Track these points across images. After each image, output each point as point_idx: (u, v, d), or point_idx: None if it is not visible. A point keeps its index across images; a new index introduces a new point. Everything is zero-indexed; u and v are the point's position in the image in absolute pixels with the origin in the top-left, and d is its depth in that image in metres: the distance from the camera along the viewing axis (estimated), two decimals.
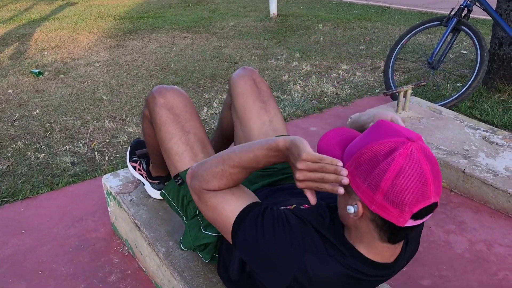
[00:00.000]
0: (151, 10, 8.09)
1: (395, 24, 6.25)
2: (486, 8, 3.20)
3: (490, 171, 2.22)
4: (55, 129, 3.31)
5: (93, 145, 3.09)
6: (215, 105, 3.63)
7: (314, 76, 4.22)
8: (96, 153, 2.95)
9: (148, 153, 1.97)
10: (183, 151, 1.48)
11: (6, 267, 1.95)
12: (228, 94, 1.76)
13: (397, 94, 3.20)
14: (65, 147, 3.04)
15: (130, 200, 1.91)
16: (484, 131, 2.59)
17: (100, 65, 4.77)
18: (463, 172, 2.24)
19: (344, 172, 0.92)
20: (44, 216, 2.29)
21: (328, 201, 1.20)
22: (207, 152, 1.51)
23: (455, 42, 3.50)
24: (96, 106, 3.71)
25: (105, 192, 2.09)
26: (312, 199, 0.99)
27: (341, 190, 0.93)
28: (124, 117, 3.48)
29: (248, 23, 6.67)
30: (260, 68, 4.52)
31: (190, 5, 8.59)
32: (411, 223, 0.91)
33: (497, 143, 2.46)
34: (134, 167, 1.98)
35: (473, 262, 1.85)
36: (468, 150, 2.40)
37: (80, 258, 1.99)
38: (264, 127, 1.62)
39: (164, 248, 1.66)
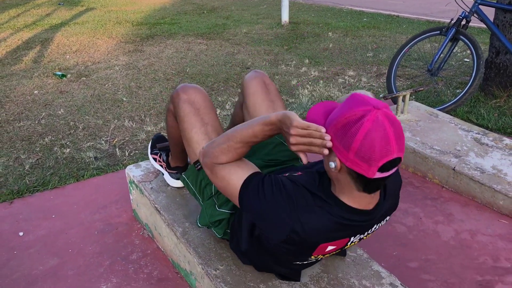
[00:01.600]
0: (167, 16, 8.37)
1: (403, 32, 6.46)
2: (483, 19, 3.40)
3: (478, 169, 2.42)
4: (79, 127, 3.57)
5: (114, 142, 3.34)
6: (227, 107, 3.86)
7: (321, 81, 4.44)
8: (117, 149, 3.20)
9: (167, 147, 2.21)
10: (202, 139, 1.72)
11: (40, 246, 2.19)
12: (241, 94, 2.00)
13: (395, 98, 3.41)
14: (88, 144, 3.29)
15: (151, 188, 2.15)
16: (476, 133, 2.79)
17: (119, 69, 5.04)
18: (453, 169, 2.45)
19: (328, 137, 1.16)
20: (72, 203, 2.54)
21: (318, 167, 1.44)
22: None
23: (454, 51, 3.69)
24: (116, 106, 3.97)
25: (128, 181, 2.33)
26: (304, 159, 1.23)
27: (325, 151, 1.17)
28: (143, 117, 3.74)
29: (260, 30, 6.92)
30: (270, 73, 4.76)
31: (205, 12, 8.87)
32: (378, 175, 1.14)
33: (487, 144, 2.66)
34: (155, 159, 2.22)
35: (457, 248, 2.05)
36: (459, 150, 2.61)
37: (105, 240, 2.23)
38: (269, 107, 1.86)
39: (181, 228, 1.90)
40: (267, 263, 1.56)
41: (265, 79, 1.91)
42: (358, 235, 1.35)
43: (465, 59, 5.02)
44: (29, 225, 2.35)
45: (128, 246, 2.18)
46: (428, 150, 2.61)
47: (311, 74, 4.69)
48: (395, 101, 3.46)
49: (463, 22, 3.38)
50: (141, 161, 3.00)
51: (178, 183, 2.14)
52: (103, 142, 3.32)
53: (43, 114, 3.83)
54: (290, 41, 6.14)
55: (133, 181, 2.24)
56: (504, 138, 2.73)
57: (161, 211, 2.00)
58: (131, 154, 3.15)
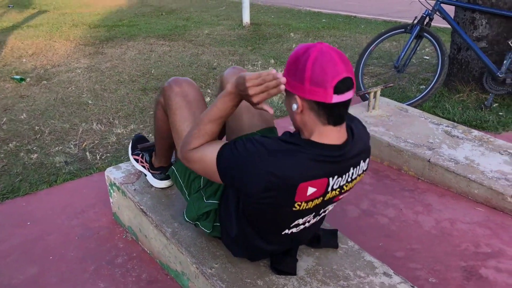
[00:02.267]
0: (125, 18, 8.23)
1: (362, 32, 6.61)
2: (445, 17, 3.53)
3: (452, 160, 2.51)
4: (45, 131, 3.45)
5: (83, 146, 3.25)
6: None
7: None
8: (87, 153, 3.11)
9: (150, 147, 2.18)
10: None
11: (17, 254, 2.10)
12: (219, 89, 1.99)
13: (366, 95, 3.49)
14: (56, 148, 3.18)
15: (134, 189, 2.10)
16: (446, 126, 2.90)
17: (81, 71, 4.91)
18: (429, 161, 2.53)
19: (279, 74, 1.25)
20: (47, 209, 2.45)
21: None
22: (212, 135, 1.74)
23: (418, 48, 3.81)
24: (82, 110, 3.86)
25: (107, 183, 2.27)
26: (270, 109, 1.31)
27: (282, 87, 1.25)
28: (111, 119, 3.65)
29: (222, 31, 6.91)
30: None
31: (164, 14, 8.77)
32: (336, 98, 1.22)
33: (457, 136, 2.77)
34: (137, 160, 2.18)
35: (439, 236, 2.12)
36: (432, 142, 2.69)
37: (87, 245, 2.16)
38: (253, 118, 1.86)
39: (170, 229, 1.87)
40: (258, 244, 1.55)
41: None
42: (336, 177, 1.36)
43: (425, 56, 5.19)
44: (3, 233, 2.25)
45: (111, 250, 2.12)
46: (402, 143, 2.68)
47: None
48: (364, 98, 3.54)
49: (427, 20, 3.49)
50: (115, 164, 2.93)
51: (162, 184, 2.11)
52: (72, 146, 3.22)
53: (4, 119, 3.68)
54: (253, 42, 6.16)
55: (114, 184, 2.18)
56: (472, 130, 2.85)
57: (148, 213, 1.96)
58: (103, 157, 3.07)
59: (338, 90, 1.22)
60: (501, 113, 3.45)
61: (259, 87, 1.27)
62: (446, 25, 6.41)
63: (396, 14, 8.09)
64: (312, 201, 1.38)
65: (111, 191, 2.25)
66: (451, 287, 1.82)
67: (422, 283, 1.84)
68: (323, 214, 1.55)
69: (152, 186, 2.13)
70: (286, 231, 1.49)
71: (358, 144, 1.39)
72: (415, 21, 3.54)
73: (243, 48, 5.85)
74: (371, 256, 1.77)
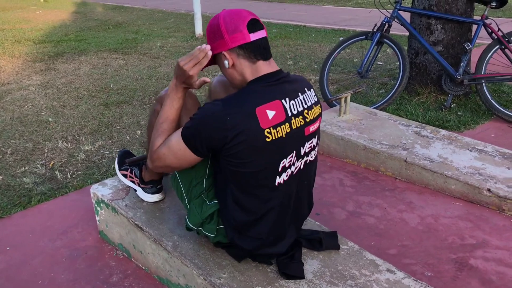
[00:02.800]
0: (71, 33, 8.00)
1: (314, 41, 6.78)
2: (403, 23, 3.70)
3: (427, 159, 2.63)
4: (7, 152, 3.30)
5: (51, 165, 3.13)
6: None
7: None
8: (57, 172, 3.00)
9: (139, 160, 2.14)
10: None
11: (2, 282, 1.99)
12: (208, 99, 2.00)
13: (334, 102, 3.59)
14: (22, 169, 3.05)
15: (126, 205, 2.06)
16: (415, 127, 3.03)
17: (35, 89, 4.73)
18: (405, 161, 2.64)
19: (203, 45, 1.48)
20: (25, 232, 2.34)
21: None
22: None
23: (378, 54, 3.97)
24: (43, 128, 3.72)
25: (93, 201, 2.20)
26: (208, 79, 1.54)
27: (209, 53, 1.47)
28: (76, 136, 3.54)
29: (175, 43, 6.87)
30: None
31: (111, 27, 8.61)
32: (253, 36, 1.45)
33: (427, 136, 2.90)
34: (125, 175, 2.13)
35: (426, 232, 2.21)
36: (405, 143, 2.81)
37: (76, 265, 2.08)
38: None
39: (171, 242, 1.84)
40: (257, 213, 1.58)
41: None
42: (288, 100, 1.49)
43: (379, 62, 5.40)
44: None
45: (104, 269, 2.06)
46: (378, 145, 2.78)
47: None
48: (331, 105, 3.63)
49: (386, 27, 3.64)
50: (90, 182, 2.85)
51: (155, 197, 2.07)
52: (38, 166, 3.10)
53: None
54: None
55: (103, 201, 2.12)
56: (440, 129, 3.00)
57: (144, 228, 1.92)
58: (74, 175, 2.97)
59: (252, 29, 1.45)
60: (460, 113, 3.65)
61: (191, 61, 1.48)
62: (401, 33, 6.69)
63: (342, 22, 8.35)
64: (280, 127, 1.46)
65: (98, 208, 2.19)
66: (446, 279, 1.90)
67: (419, 277, 1.91)
68: (306, 159, 1.62)
69: (143, 201, 2.09)
70: (278, 179, 1.53)
71: (293, 76, 1.58)
72: (375, 28, 3.69)
73: None
74: (372, 254, 1.82)
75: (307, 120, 1.54)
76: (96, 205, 2.20)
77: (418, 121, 3.49)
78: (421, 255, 2.05)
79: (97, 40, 7.33)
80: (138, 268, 2.05)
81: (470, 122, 3.48)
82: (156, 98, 1.83)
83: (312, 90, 1.61)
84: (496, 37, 3.44)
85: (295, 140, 1.52)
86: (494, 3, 3.46)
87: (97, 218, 2.24)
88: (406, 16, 4.09)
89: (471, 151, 2.72)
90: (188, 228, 1.72)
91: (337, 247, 1.83)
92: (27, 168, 3.06)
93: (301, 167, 1.62)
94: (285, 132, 1.48)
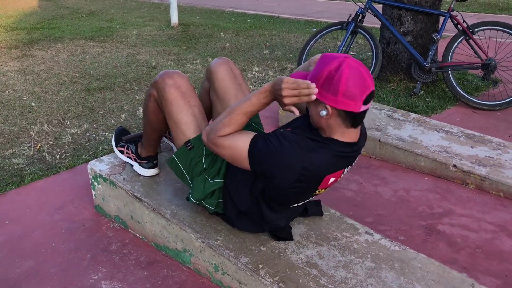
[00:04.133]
0: (43, 21, 7.94)
1: (288, 31, 6.96)
2: (376, 14, 3.92)
3: (399, 139, 2.85)
4: None
5: (38, 147, 3.22)
6: None
7: None
8: (45, 154, 3.09)
9: (135, 138, 2.27)
10: (191, 121, 1.85)
11: (5, 252, 2.11)
12: (206, 81, 2.15)
13: None
14: (10, 151, 3.13)
15: (124, 179, 2.19)
16: (387, 111, 3.26)
17: (15, 75, 4.75)
18: (379, 141, 2.85)
19: (313, 85, 1.43)
20: (23, 208, 2.44)
21: (296, 124, 1.70)
22: (206, 121, 1.91)
23: (352, 44, 4.17)
24: (27, 112, 3.78)
25: (90, 176, 2.33)
26: (297, 112, 1.49)
27: (313, 97, 1.43)
28: (61, 120, 3.62)
29: (151, 32, 6.94)
30: (179, 71, 4.86)
31: (84, 16, 8.57)
32: (363, 108, 1.45)
33: (399, 119, 3.13)
34: (122, 152, 2.26)
35: (399, 203, 2.43)
36: (379, 125, 3.03)
37: (76, 236, 2.21)
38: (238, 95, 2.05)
39: (169, 211, 1.99)
40: (267, 215, 1.75)
41: (231, 65, 2.09)
42: (349, 166, 1.64)
43: (351, 52, 5.63)
44: None
45: (103, 239, 2.19)
46: None
47: None
48: None
49: (360, 18, 3.85)
50: (80, 162, 2.96)
51: (151, 172, 2.21)
52: (26, 148, 3.18)
53: None
54: (185, 42, 6.27)
55: (101, 175, 2.25)
56: (410, 113, 3.23)
57: (143, 198, 2.07)
58: (62, 157, 3.07)
59: (366, 101, 1.44)
60: (428, 99, 3.90)
61: (293, 91, 1.44)
62: (371, 25, 6.95)
63: (315, 14, 8.57)
64: (328, 187, 1.65)
65: (95, 183, 2.32)
66: (417, 242, 2.12)
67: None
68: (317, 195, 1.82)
69: (139, 175, 2.23)
70: (295, 204, 1.72)
71: (363, 138, 1.66)
72: (350, 19, 3.89)
73: (177, 47, 5.95)
74: (352, 219, 2.02)
75: (348, 171, 1.72)
76: (93, 180, 2.32)
77: (390, 106, 3.72)
78: (394, 222, 2.27)
79: (71, 28, 7.32)
80: (135, 238, 2.19)
81: (437, 107, 3.73)
82: (151, 83, 1.96)
83: None
84: (461, 28, 3.69)
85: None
86: None
87: (94, 193, 2.36)
88: (379, 8, 4.30)
89: (438, 132, 2.96)
90: (191, 201, 1.88)
91: (320, 214, 2.02)
92: (15, 150, 3.14)
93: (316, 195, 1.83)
94: (328, 188, 1.68)
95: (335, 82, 1.41)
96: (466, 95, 3.68)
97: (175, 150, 2.41)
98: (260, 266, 1.72)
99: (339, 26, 3.90)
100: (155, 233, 2.08)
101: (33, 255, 2.08)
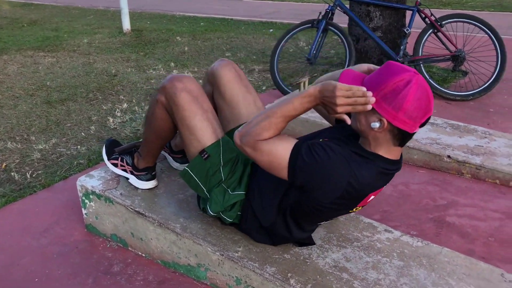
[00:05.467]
0: None
1: (246, 33, 6.89)
2: (346, 11, 3.92)
3: None
4: None
5: (3, 166, 2.97)
6: (118, 114, 3.71)
7: (200, 81, 4.54)
8: (13, 173, 2.85)
9: (129, 149, 2.12)
10: (206, 126, 1.71)
11: None
12: (208, 84, 2.03)
13: (289, 88, 3.73)
14: None
15: (121, 194, 2.03)
16: None
17: None
18: None
19: (370, 93, 1.32)
20: (2, 234, 2.22)
21: (332, 135, 1.61)
22: (221, 127, 1.79)
23: (324, 41, 4.15)
24: None
25: (81, 194, 2.14)
26: (348, 120, 1.37)
27: (369, 107, 1.32)
28: (25, 136, 3.37)
29: (103, 39, 6.66)
30: (143, 78, 4.68)
31: (25, 25, 8.12)
32: (418, 129, 1.39)
33: None
34: (115, 164, 2.10)
35: (402, 198, 2.41)
36: None
37: (71, 260, 2.03)
38: (250, 107, 1.94)
39: (178, 224, 1.86)
40: (293, 232, 1.66)
41: (235, 67, 1.99)
42: (387, 184, 1.56)
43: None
44: None
45: (102, 260, 2.02)
46: None
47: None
48: (282, 90, 3.77)
49: (330, 15, 3.84)
50: (58, 179, 2.74)
51: (150, 184, 2.07)
52: None
53: None
54: (142, 48, 6.06)
55: (93, 192, 2.08)
56: None
57: (146, 213, 1.92)
58: (34, 175, 2.84)
59: (423, 125, 1.38)
60: None
61: (347, 99, 1.32)
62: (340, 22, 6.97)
63: (267, 15, 8.55)
64: (366, 204, 1.57)
65: (86, 201, 2.14)
66: (430, 235, 2.10)
67: None
68: None
69: (137, 188, 2.08)
70: (325, 221, 1.65)
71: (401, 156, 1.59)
72: (320, 17, 3.87)
73: (134, 54, 5.73)
74: (367, 218, 1.97)
75: None
76: (84, 198, 2.14)
77: None
78: (402, 218, 2.24)
79: (14, 38, 6.90)
80: (138, 256, 2.04)
81: None
82: (157, 88, 1.82)
83: None
84: (429, 21, 3.76)
85: None
86: None
87: (84, 212, 2.18)
88: (347, 4, 4.31)
89: None
90: (209, 214, 1.76)
91: None
92: None
93: None
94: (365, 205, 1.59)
95: (401, 97, 1.31)
96: (439, 87, 3.74)
97: (169, 159, 2.28)
98: (289, 275, 1.63)
99: (310, 25, 3.87)
100: (162, 250, 1.94)
101: (26, 285, 1.88)
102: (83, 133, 3.40)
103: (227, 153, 1.73)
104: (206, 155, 1.71)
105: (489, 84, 3.69)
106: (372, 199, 1.57)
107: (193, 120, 1.72)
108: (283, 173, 1.46)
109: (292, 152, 1.44)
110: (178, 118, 1.74)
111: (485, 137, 2.80)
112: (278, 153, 1.45)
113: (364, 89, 1.32)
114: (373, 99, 1.32)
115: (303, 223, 1.64)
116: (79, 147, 3.19)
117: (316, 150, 1.42)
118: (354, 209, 1.57)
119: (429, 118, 1.39)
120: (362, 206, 1.59)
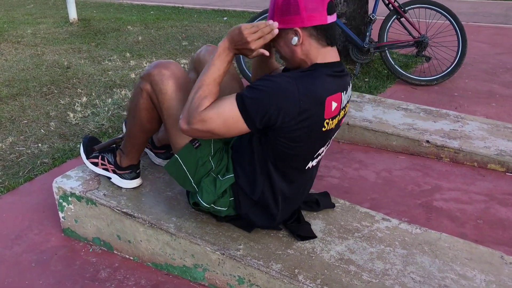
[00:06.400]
0: None
1: (200, 21, 6.73)
2: None
3: (366, 120, 2.84)
4: None
5: None
6: (78, 108, 3.50)
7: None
8: None
9: (109, 146, 1.98)
10: None
11: None
12: (192, 71, 1.93)
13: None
14: None
15: (104, 195, 1.90)
16: None
17: None
18: (348, 124, 2.81)
19: (271, 21, 1.42)
20: None
21: None
22: None
23: None
24: None
25: (57, 196, 1.98)
26: (266, 52, 1.45)
27: (276, 30, 1.41)
28: None
29: (49, 30, 6.29)
30: (99, 69, 4.44)
31: None
32: (330, 18, 1.42)
33: (356, 101, 3.12)
34: (95, 163, 1.96)
35: (387, 184, 2.41)
36: None
37: (52, 268, 1.87)
38: (233, 91, 1.85)
39: (172, 224, 1.76)
40: (281, 187, 1.60)
41: None
42: (344, 92, 1.52)
43: None
44: None
45: (86, 266, 1.88)
46: None
47: (144, 65, 4.56)
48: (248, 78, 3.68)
49: None
50: (23, 182, 2.54)
51: (134, 183, 1.94)
52: None
53: None
54: (92, 38, 5.77)
55: (73, 194, 1.93)
56: (364, 94, 3.24)
57: (135, 214, 1.80)
58: None
59: (330, 11, 1.41)
60: (366, 79, 3.96)
61: (255, 34, 1.40)
62: None
63: (219, 3, 8.41)
64: (334, 119, 1.51)
65: (64, 204, 1.98)
66: (422, 221, 2.11)
67: None
68: (322, 155, 1.67)
69: (121, 188, 1.95)
70: (310, 163, 1.59)
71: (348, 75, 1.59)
72: None
73: (85, 44, 5.44)
74: (363, 207, 1.94)
75: (344, 112, 1.58)
76: (61, 201, 1.98)
77: None
78: (391, 204, 2.24)
79: None
80: (125, 259, 1.91)
81: (379, 86, 3.80)
82: (141, 76, 1.70)
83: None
84: (393, 7, 3.79)
85: (335, 130, 1.58)
86: None
87: (61, 215, 2.02)
88: None
89: (398, 110, 3.00)
90: (204, 206, 1.66)
91: (332, 205, 1.92)
92: None
93: (318, 160, 1.68)
94: (334, 124, 1.52)
95: (293, 2, 1.39)
96: (404, 73, 3.79)
97: (151, 156, 2.15)
98: (296, 271, 1.58)
99: None
100: (154, 252, 1.83)
101: None
102: (42, 130, 3.17)
103: (216, 142, 1.66)
104: (197, 144, 1.62)
105: (451, 68, 3.78)
106: (337, 107, 1.48)
107: (182, 108, 1.61)
108: (242, 126, 1.43)
109: (237, 101, 1.42)
110: (165, 107, 1.63)
111: (458, 121, 2.85)
112: (227, 110, 1.42)
113: (264, 21, 1.42)
114: (275, 23, 1.41)
115: (291, 172, 1.59)
116: (40, 145, 2.98)
117: (257, 84, 1.42)
118: (326, 125, 1.49)
119: (331, 4, 1.42)
120: (332, 119, 1.50)
